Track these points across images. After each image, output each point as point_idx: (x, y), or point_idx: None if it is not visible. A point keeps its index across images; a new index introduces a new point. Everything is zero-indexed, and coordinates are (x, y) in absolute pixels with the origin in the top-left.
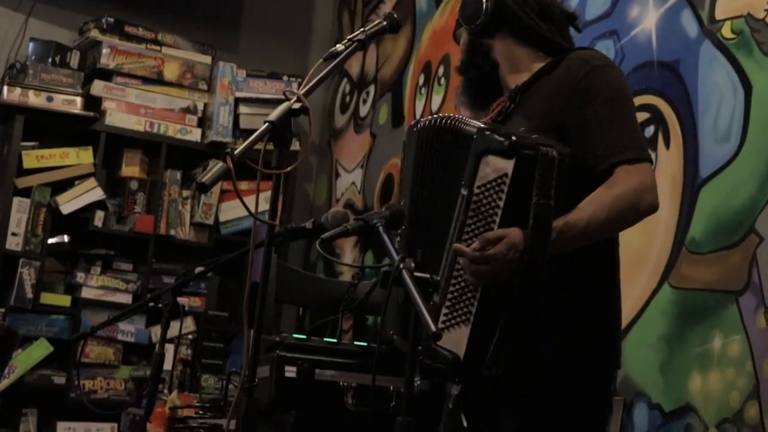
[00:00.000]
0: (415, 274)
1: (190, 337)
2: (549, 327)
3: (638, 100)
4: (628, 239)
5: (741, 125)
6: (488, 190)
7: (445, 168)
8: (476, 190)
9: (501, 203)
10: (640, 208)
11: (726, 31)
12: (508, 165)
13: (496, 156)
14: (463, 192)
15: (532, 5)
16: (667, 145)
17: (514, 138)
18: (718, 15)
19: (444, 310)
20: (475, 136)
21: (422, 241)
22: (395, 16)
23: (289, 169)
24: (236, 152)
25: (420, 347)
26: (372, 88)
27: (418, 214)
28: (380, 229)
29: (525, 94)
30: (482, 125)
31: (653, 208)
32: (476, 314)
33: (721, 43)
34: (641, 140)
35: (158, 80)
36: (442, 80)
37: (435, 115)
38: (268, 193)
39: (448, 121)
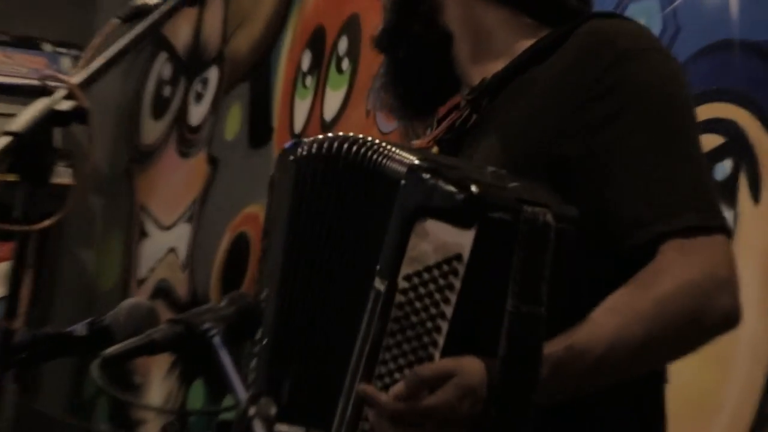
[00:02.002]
0: (278, 428)
1: None
2: None
3: (702, 112)
4: (683, 372)
5: None
6: (425, 285)
7: (346, 237)
8: (403, 284)
9: (448, 310)
10: (706, 318)
11: None
12: (463, 239)
13: (441, 221)
14: (378, 285)
15: None
16: (756, 196)
17: (474, 187)
18: None
19: None
20: (402, 182)
21: (296, 367)
22: None
23: (49, 221)
24: None
25: None
26: (213, 74)
27: (291, 319)
28: (216, 341)
29: (499, 96)
30: (416, 161)
31: (731, 319)
32: None
33: None
34: (711, 191)
35: None
36: (346, 62)
37: (328, 137)
38: (5, 267)
39: (354, 150)
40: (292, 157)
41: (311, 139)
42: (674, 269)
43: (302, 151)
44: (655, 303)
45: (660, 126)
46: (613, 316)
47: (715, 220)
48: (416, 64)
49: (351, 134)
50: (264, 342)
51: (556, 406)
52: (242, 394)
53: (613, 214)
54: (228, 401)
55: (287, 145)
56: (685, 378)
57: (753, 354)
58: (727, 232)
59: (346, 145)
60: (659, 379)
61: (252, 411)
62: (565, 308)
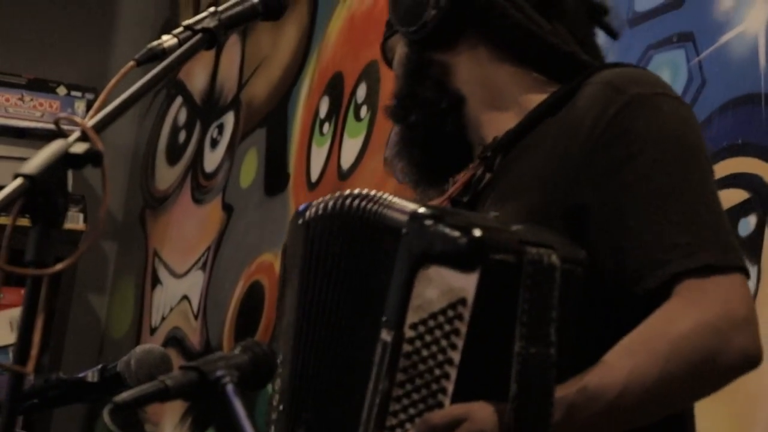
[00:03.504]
0: None
1: None
2: None
3: (726, 167)
4: (703, 427)
5: None
6: (432, 332)
7: (354, 290)
8: (409, 333)
9: (456, 356)
10: (724, 359)
11: None
12: (466, 283)
13: (444, 266)
14: (385, 337)
15: None
16: None
17: (476, 231)
18: None
19: None
20: (404, 230)
21: (309, 418)
22: None
23: (60, 266)
24: None
25: None
26: (229, 120)
27: (306, 373)
28: (229, 389)
29: (511, 152)
30: (418, 209)
31: (750, 357)
32: None
33: None
34: (725, 231)
35: None
36: (364, 110)
37: (336, 195)
38: (17, 312)
39: (357, 204)
40: (301, 221)
41: (319, 200)
42: (690, 310)
43: (311, 212)
44: (670, 344)
45: (673, 169)
46: (627, 358)
47: (731, 259)
48: (430, 129)
49: (356, 190)
50: (281, 408)
51: None
52: None
53: (629, 258)
54: None
55: (299, 208)
56: (705, 424)
57: None
58: (744, 271)
59: (349, 201)
60: (685, 423)
61: None
62: (578, 351)
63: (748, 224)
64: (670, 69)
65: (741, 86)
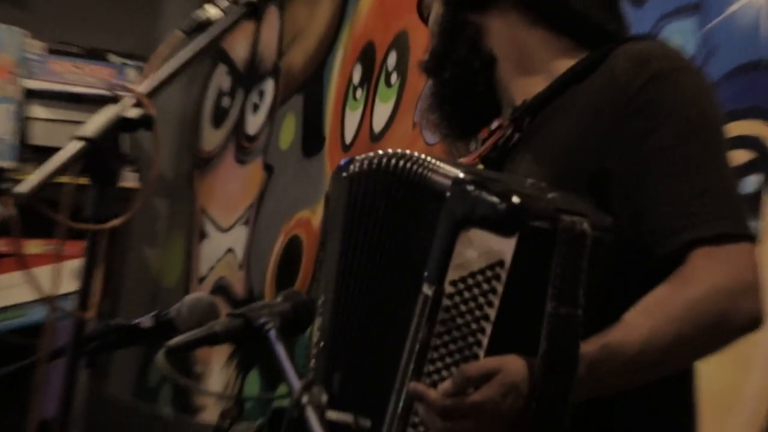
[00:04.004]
0: (329, 414)
1: None
2: None
3: (732, 129)
4: (705, 371)
5: None
6: (470, 289)
7: (396, 245)
8: (449, 289)
9: (492, 312)
10: (731, 320)
11: None
12: (505, 246)
13: (484, 230)
14: (427, 290)
15: None
16: None
17: (516, 198)
18: None
19: None
20: (448, 194)
21: (347, 361)
22: None
23: (117, 221)
24: (23, 188)
25: None
26: (269, 86)
27: (347, 322)
28: (271, 334)
29: (540, 114)
30: (461, 174)
31: (755, 321)
32: None
33: None
34: (738, 202)
35: None
36: (395, 76)
37: (379, 153)
38: (78, 264)
39: (402, 165)
40: (345, 174)
41: (362, 156)
42: (703, 274)
43: (354, 167)
44: (684, 306)
45: (692, 142)
46: (645, 318)
47: (742, 228)
48: (462, 86)
49: (399, 150)
50: (320, 342)
51: (593, 400)
52: (296, 383)
53: (648, 224)
54: (282, 389)
55: (341, 162)
56: (706, 377)
57: None
58: (752, 239)
59: (394, 161)
60: (689, 377)
61: (305, 399)
62: (601, 311)
63: (751, 182)
64: (681, 37)
65: (746, 54)
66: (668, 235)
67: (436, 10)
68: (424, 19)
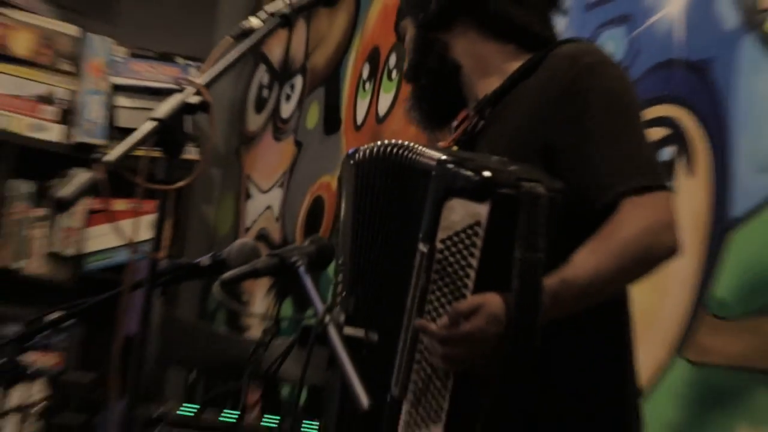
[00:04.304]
0: (346, 330)
1: (40, 406)
2: (543, 419)
3: (653, 112)
4: (633, 295)
5: None
6: (456, 245)
7: (396, 215)
8: (440, 246)
9: (474, 261)
10: (656, 251)
11: None
12: (481, 210)
13: (464, 199)
14: (422, 248)
15: None
16: (690, 172)
17: (486, 172)
18: (766, 1)
19: (406, 407)
20: (433, 173)
21: (360, 292)
22: None
23: (181, 184)
24: (110, 158)
25: None
26: (298, 81)
27: (361, 268)
28: (301, 269)
29: (498, 105)
30: (443, 156)
31: (673, 250)
32: (449, 411)
33: None
34: (654, 162)
35: (2, 56)
36: (395, 73)
37: (378, 144)
38: (152, 217)
39: (396, 151)
40: (352, 161)
41: (365, 146)
42: (632, 218)
43: (359, 155)
44: (620, 244)
45: (616, 119)
46: (591, 255)
47: (659, 181)
48: (435, 89)
49: (393, 140)
50: (339, 277)
51: (552, 324)
52: (320, 306)
53: (587, 183)
54: (310, 312)
55: (349, 151)
56: (633, 301)
57: (681, 282)
58: (668, 189)
59: (389, 149)
60: (626, 300)
61: (327, 318)
62: (557, 253)
63: (667, 152)
64: (614, 42)
65: (663, 54)
66: (603, 191)
67: (410, 31)
68: (401, 39)
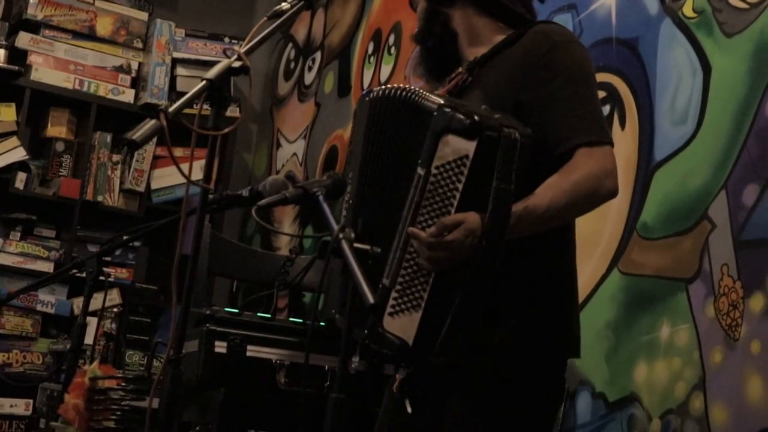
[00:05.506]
0: (355, 245)
1: (115, 310)
2: (502, 314)
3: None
4: (578, 222)
5: (698, 108)
6: (447, 172)
7: (400, 144)
8: (434, 171)
9: (460, 186)
10: (599, 193)
11: (687, 10)
12: (469, 146)
13: (457, 136)
14: (420, 171)
15: None
16: (623, 125)
17: (477, 118)
18: None
19: (394, 295)
20: (434, 113)
21: (367, 213)
22: None
23: (227, 130)
24: (171, 109)
25: (366, 331)
26: (318, 55)
27: (367, 190)
28: (320, 197)
29: (483, 67)
30: (442, 101)
31: (613, 194)
32: (428, 300)
33: (682, 22)
34: (603, 122)
35: (90, 35)
36: (393, 49)
37: (391, 86)
38: (203, 162)
39: (405, 94)
40: (367, 98)
41: (379, 87)
42: (582, 165)
43: (373, 94)
44: (571, 183)
45: (577, 85)
46: (549, 191)
47: (606, 137)
48: (437, 51)
49: (403, 84)
50: (350, 201)
51: (514, 241)
52: (335, 227)
53: (550, 134)
54: (327, 233)
55: (364, 91)
56: (578, 225)
57: (617, 212)
58: (612, 145)
59: (400, 91)
60: (571, 227)
61: (341, 235)
62: (523, 187)
63: (605, 111)
64: (563, 24)
65: (602, 33)
66: (562, 142)
67: (421, 4)
68: (414, 9)
